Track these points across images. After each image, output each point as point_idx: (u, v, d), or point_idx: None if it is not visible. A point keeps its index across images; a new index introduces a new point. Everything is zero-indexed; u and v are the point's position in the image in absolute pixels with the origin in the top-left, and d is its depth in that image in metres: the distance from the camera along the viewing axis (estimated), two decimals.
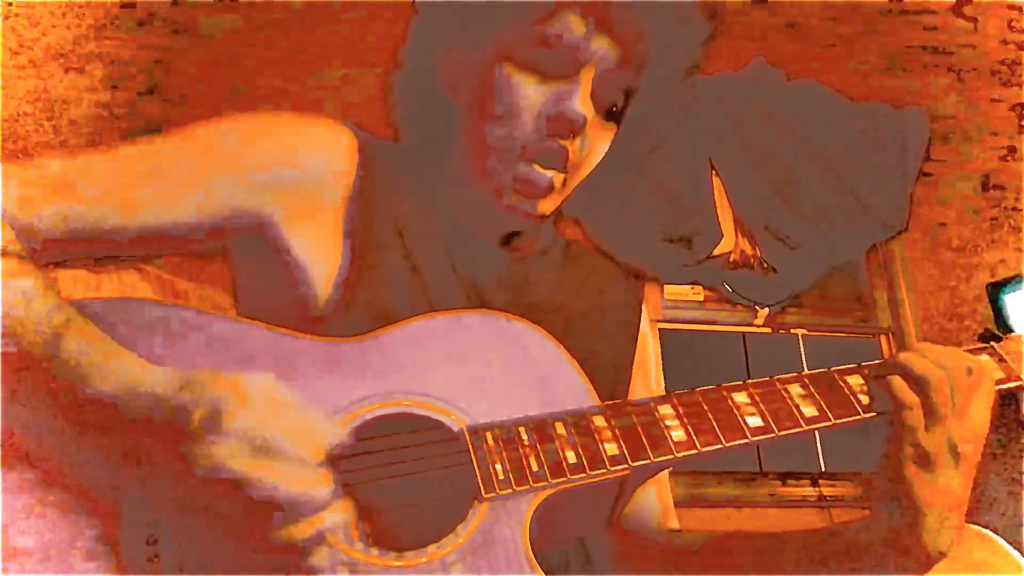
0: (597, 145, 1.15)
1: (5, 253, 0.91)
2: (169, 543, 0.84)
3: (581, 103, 1.09)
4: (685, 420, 1.03)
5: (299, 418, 0.85)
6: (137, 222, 1.02)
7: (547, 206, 1.14)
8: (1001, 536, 1.64)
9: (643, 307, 1.34)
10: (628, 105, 1.17)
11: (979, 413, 1.03)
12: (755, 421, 1.04)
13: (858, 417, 1.05)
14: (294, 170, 1.09)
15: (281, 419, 0.83)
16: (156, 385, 0.84)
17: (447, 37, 1.17)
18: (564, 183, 1.14)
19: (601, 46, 1.10)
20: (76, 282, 1.21)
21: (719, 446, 1.02)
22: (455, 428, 0.99)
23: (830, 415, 1.05)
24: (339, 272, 1.10)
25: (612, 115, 1.15)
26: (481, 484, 0.95)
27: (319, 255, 1.10)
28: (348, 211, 1.12)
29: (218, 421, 0.81)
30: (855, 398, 1.07)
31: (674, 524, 1.26)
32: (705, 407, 1.04)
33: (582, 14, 1.08)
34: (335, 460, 0.86)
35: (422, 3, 1.20)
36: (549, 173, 1.11)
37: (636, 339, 1.29)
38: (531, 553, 0.94)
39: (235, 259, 1.14)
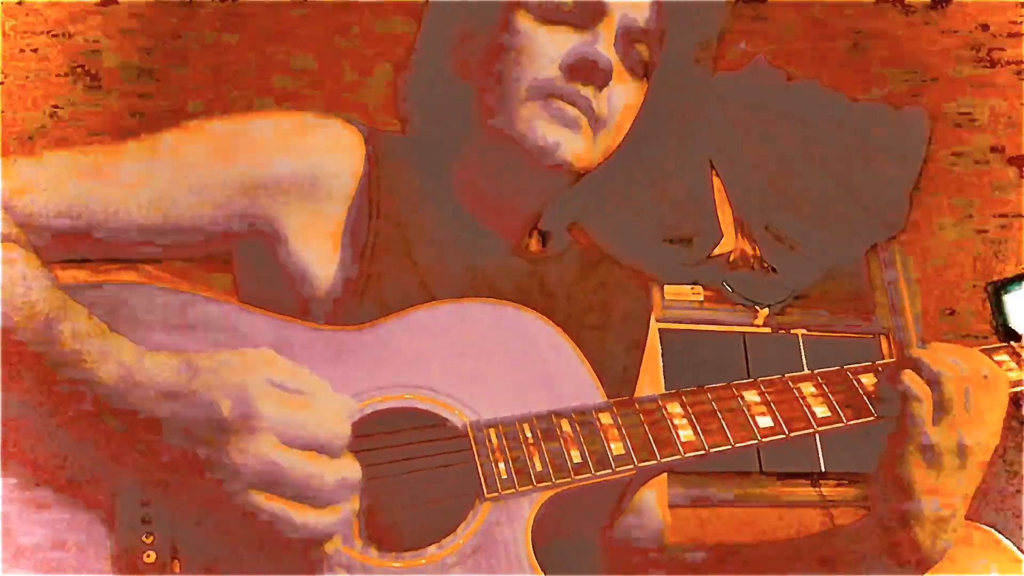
0: (625, 99, 1.11)
1: (6, 240, 0.90)
2: (166, 534, 0.83)
3: (604, 48, 1.06)
4: (694, 419, 1.01)
5: (317, 394, 0.84)
6: (134, 218, 1.01)
7: (578, 152, 1.09)
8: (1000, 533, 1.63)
9: (652, 312, 1.32)
10: (651, 71, 1.13)
11: (993, 420, 1.02)
12: (765, 421, 1.02)
13: (871, 419, 1.03)
14: (297, 173, 1.08)
15: (299, 399, 0.82)
16: (157, 371, 0.82)
17: (460, 19, 1.16)
18: (593, 135, 1.10)
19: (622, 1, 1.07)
20: (76, 282, 1.20)
21: (727, 447, 1.00)
22: (458, 424, 0.98)
23: (842, 416, 1.03)
24: (336, 275, 1.09)
25: (638, 72, 1.12)
26: (483, 483, 0.94)
27: (319, 258, 1.09)
28: (351, 215, 1.11)
29: (251, 413, 0.79)
30: (869, 399, 1.04)
31: (667, 520, 1.25)
32: (714, 406, 1.02)
33: None
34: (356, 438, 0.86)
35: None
36: (575, 111, 1.07)
37: (644, 347, 1.28)
38: (532, 555, 0.93)
39: (238, 265, 1.12)
